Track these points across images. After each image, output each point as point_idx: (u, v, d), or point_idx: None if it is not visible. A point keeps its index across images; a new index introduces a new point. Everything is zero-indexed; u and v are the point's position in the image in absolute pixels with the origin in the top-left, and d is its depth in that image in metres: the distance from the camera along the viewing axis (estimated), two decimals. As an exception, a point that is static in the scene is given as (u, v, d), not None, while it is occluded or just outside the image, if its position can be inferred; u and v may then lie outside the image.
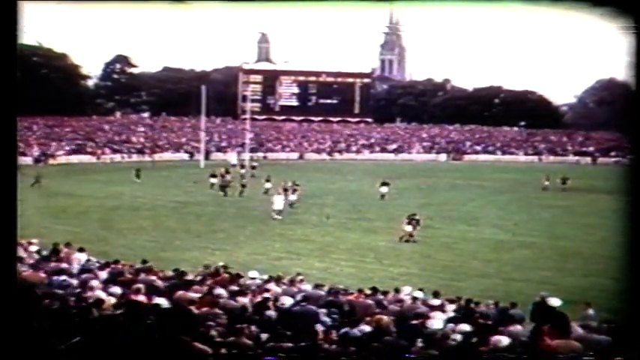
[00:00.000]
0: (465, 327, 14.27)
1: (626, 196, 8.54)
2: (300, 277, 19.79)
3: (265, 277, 20.21)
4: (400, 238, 34.29)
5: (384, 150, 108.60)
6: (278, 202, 41.93)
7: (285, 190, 47.63)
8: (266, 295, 15.99)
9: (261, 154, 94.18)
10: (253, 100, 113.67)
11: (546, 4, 10.81)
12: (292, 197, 45.46)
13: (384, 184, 51.00)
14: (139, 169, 60.80)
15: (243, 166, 67.08)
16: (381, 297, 17.91)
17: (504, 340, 12.87)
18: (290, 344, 11.05)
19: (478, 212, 45.38)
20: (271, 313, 14.32)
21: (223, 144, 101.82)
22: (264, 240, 34.51)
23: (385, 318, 13.23)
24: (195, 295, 15.21)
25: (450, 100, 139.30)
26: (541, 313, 17.08)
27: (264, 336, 11.74)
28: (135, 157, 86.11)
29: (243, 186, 51.91)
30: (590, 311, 17.99)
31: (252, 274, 20.04)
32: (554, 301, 17.63)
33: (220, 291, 15.91)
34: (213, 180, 54.97)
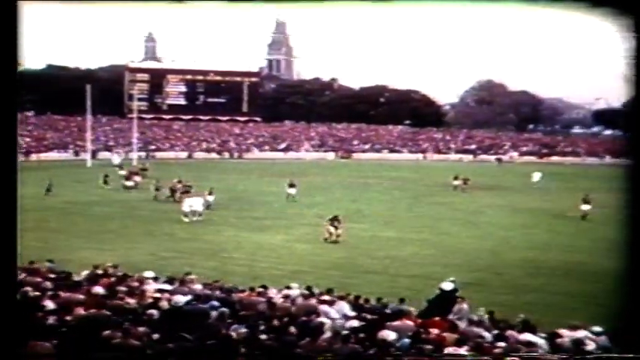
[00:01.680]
0: (354, 323, 14.58)
1: (625, 195, 8.81)
2: (191, 277, 19.69)
3: (153, 275, 19.98)
4: (325, 239, 34.09)
5: (273, 149, 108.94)
6: (188, 204, 40.79)
7: (173, 190, 47.09)
8: (157, 295, 15.90)
9: (144, 154, 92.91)
10: (140, 99, 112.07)
11: (546, 4, 10.99)
12: (210, 198, 44.45)
13: (291, 185, 50.77)
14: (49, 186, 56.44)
15: (122, 167, 65.60)
16: (272, 294, 18.02)
17: (391, 335, 13.22)
18: (180, 343, 11.06)
19: (366, 210, 46.12)
20: (160, 312, 14.25)
21: (110, 143, 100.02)
22: (154, 240, 34.15)
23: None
24: (82, 297, 15.03)
25: (337, 99, 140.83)
26: (440, 298, 19.42)
27: (155, 336, 11.70)
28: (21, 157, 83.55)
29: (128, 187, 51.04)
30: (465, 306, 18.70)
31: (148, 274, 19.82)
32: (446, 285, 19.90)
33: (100, 290, 15.81)
34: (129, 183, 54.32)
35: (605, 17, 8.22)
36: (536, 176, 61.48)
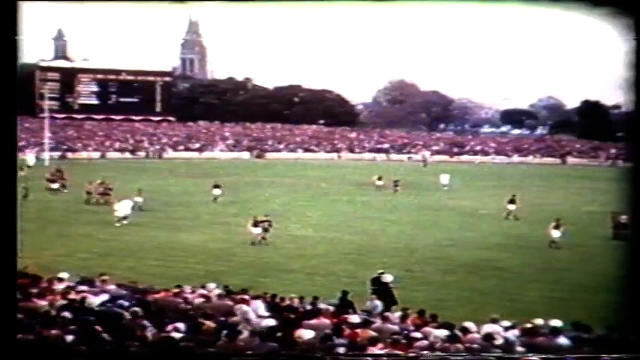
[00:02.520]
0: (270, 322, 14.68)
1: (625, 196, 8.84)
2: (104, 277, 19.45)
3: (67, 275, 19.66)
4: (252, 242, 33.71)
5: (188, 149, 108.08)
6: (118, 207, 39.43)
7: (89, 192, 46.16)
8: (72, 296, 15.69)
9: (56, 154, 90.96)
10: (51, 99, 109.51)
11: (546, 4, 11.04)
12: (138, 199, 43.33)
13: (216, 186, 50.27)
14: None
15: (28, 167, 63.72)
16: (188, 294, 17.96)
17: (308, 334, 13.35)
18: (95, 344, 10.97)
19: (281, 209, 46.26)
20: (73, 313, 14.07)
21: (22, 143, 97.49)
22: (69, 241, 33.58)
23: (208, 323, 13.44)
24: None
25: (251, 99, 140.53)
26: (377, 288, 21.22)
27: (68, 338, 11.56)
28: None
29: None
30: (377, 302, 19.10)
31: (63, 275, 19.49)
32: (387, 277, 21.60)
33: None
34: (54, 185, 52.90)
35: (605, 17, 8.29)
36: (445, 178, 61.48)
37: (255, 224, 34.20)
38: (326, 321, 15.06)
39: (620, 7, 8.07)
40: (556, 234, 34.71)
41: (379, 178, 60.17)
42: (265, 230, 34.09)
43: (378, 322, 16.03)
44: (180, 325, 13.22)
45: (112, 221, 38.71)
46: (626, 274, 29.25)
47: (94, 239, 34.52)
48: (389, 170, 70.59)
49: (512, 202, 44.52)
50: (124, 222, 38.70)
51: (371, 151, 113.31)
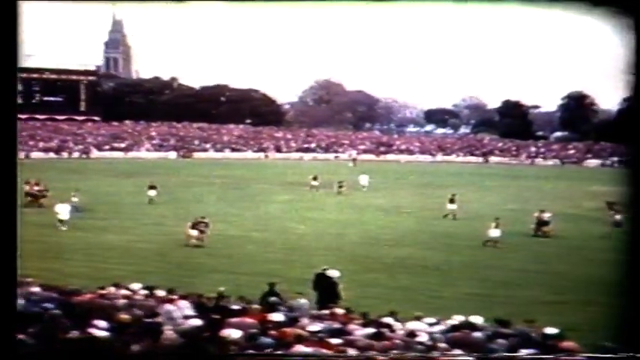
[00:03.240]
0: (196, 321, 14.71)
1: (625, 197, 8.78)
2: (28, 279, 19.15)
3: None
4: (187, 244, 33.35)
5: (113, 148, 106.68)
6: (63, 209, 37.89)
7: (30, 194, 44.19)
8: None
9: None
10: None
11: (546, 4, 11.02)
12: (75, 200, 42.05)
13: (151, 187, 49.56)
14: None
15: None
16: (113, 295, 17.83)
17: (235, 334, 13.43)
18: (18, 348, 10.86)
19: (209, 209, 45.99)
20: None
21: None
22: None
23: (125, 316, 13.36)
24: None
25: (177, 98, 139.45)
26: (320, 283, 21.91)
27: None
28: None
29: None
30: (304, 301, 19.37)
31: None
32: (333, 273, 22.23)
33: None
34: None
35: (605, 17, 8.24)
36: (363, 179, 61.00)
37: (194, 226, 33.99)
38: (250, 320, 15.15)
39: (620, 7, 8.06)
40: (495, 233, 35.27)
41: (314, 178, 59.82)
42: (202, 232, 33.88)
43: (305, 320, 16.21)
44: (103, 325, 13.15)
45: (40, 222, 37.91)
46: (546, 270, 30.08)
47: (20, 241, 33.78)
48: (316, 170, 70.82)
49: (452, 201, 44.85)
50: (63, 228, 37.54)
51: (298, 150, 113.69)
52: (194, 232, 33.60)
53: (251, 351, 12.53)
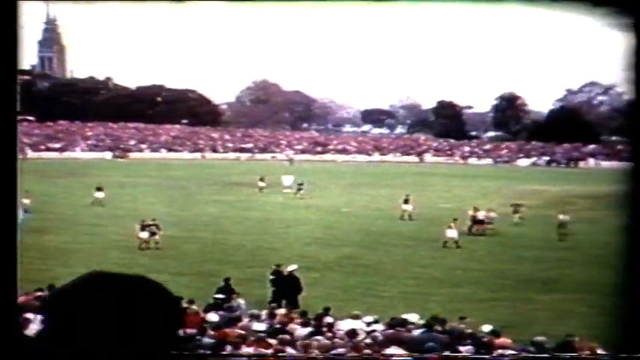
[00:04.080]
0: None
1: (624, 198, 8.75)
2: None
3: None
4: (139, 247, 32.92)
5: (48, 149, 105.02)
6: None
7: None
8: None
9: None
10: None
11: (545, 4, 10.98)
12: (26, 202, 40.92)
13: (98, 189, 48.80)
14: None
15: None
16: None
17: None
18: None
19: (147, 209, 45.71)
20: None
21: None
22: None
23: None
24: None
25: (113, 99, 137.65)
26: (277, 279, 23.06)
27: None
28: None
29: None
30: (241, 301, 19.64)
31: None
32: (293, 267, 23.52)
33: None
34: None
35: (605, 17, 8.20)
36: (287, 180, 60.30)
37: (143, 228, 33.69)
38: (190, 321, 15.26)
39: (620, 6, 8.04)
40: (452, 233, 35.64)
41: (261, 179, 59.33)
42: (153, 234, 33.57)
43: (245, 320, 16.40)
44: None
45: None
46: (480, 268, 30.72)
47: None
48: (254, 169, 70.87)
49: (406, 202, 44.91)
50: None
51: (235, 150, 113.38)
52: (145, 235, 33.35)
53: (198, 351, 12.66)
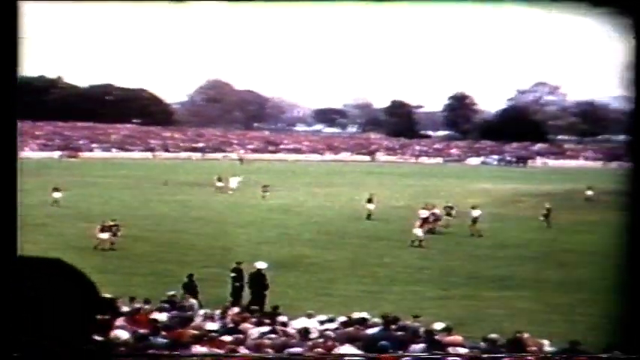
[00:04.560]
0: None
1: (625, 199, 8.65)
2: None
3: None
4: (95, 247, 32.52)
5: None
6: None
7: None
8: None
9: None
10: None
11: (544, 4, 10.92)
12: None
13: (55, 189, 48.08)
14: None
15: None
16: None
17: (123, 334, 13.45)
18: None
19: (98, 209, 45.30)
20: None
21: None
22: None
23: None
24: None
25: (63, 98, 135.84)
26: (240, 277, 23.53)
27: None
28: None
29: None
30: (193, 301, 19.67)
31: None
32: (261, 264, 23.76)
33: None
34: None
35: (605, 17, 8.12)
36: (234, 181, 59.59)
37: (103, 229, 33.27)
38: (140, 321, 15.17)
39: (620, 7, 7.96)
40: (419, 232, 35.78)
41: (219, 179, 58.97)
42: (114, 235, 33.19)
43: (198, 320, 16.35)
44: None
45: None
46: (431, 266, 30.98)
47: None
48: (206, 169, 70.67)
49: (370, 201, 44.86)
50: None
51: (187, 150, 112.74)
52: (105, 236, 32.96)
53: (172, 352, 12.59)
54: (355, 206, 47.74)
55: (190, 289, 21.78)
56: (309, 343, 14.04)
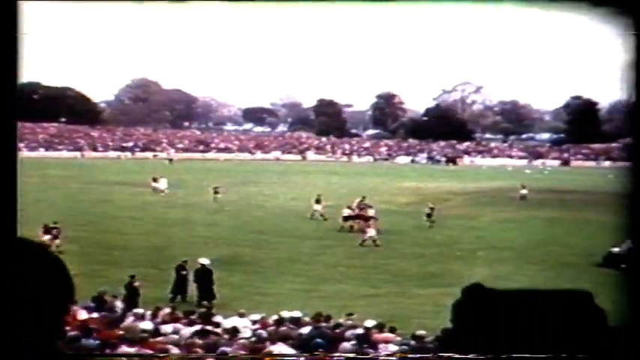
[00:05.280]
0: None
1: (625, 200, 8.53)
2: None
3: None
4: None
5: None
6: None
7: None
8: None
9: None
10: None
11: (543, 4, 10.86)
12: None
13: None
14: None
15: None
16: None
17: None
18: None
19: (28, 210, 44.35)
20: None
21: None
22: None
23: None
24: None
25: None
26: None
27: None
28: None
29: None
30: (118, 303, 19.58)
31: None
32: (204, 260, 24.75)
33: None
34: None
35: (605, 17, 8.06)
36: (163, 183, 58.46)
37: (46, 231, 32.55)
38: (70, 323, 15.02)
39: (620, 6, 7.91)
40: (371, 232, 35.73)
41: (155, 180, 57.98)
42: (55, 237, 32.48)
43: (128, 320, 16.24)
44: None
45: None
46: (362, 265, 31.31)
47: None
48: (135, 168, 69.86)
49: (317, 201, 44.44)
50: None
51: (115, 149, 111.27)
52: (47, 238, 32.28)
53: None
54: (288, 205, 47.87)
55: (131, 290, 21.69)
56: (240, 342, 14.08)
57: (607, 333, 2.04)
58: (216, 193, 52.48)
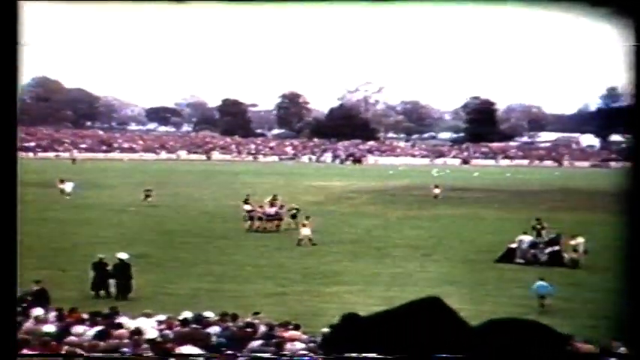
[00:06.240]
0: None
1: (625, 200, 8.37)
2: None
3: None
4: None
5: None
6: None
7: None
8: None
9: None
10: None
11: (544, 4, 10.65)
12: None
13: None
14: None
15: None
16: None
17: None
18: None
19: None
20: None
21: None
22: None
23: None
24: None
25: None
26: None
27: None
28: None
29: None
30: (38, 310, 19.25)
31: None
32: (122, 255, 25.10)
33: None
34: None
35: (605, 17, 8.03)
36: (68, 186, 56.82)
37: None
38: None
39: (620, 7, 7.95)
40: (306, 231, 35.58)
41: (61, 181, 56.01)
42: None
43: (29, 323, 15.88)
44: None
45: None
46: (268, 264, 31.45)
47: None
48: (37, 169, 68.02)
49: (246, 202, 42.48)
50: None
51: (20, 150, 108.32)
52: None
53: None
54: (195, 205, 47.55)
55: (40, 297, 21.01)
56: (145, 344, 13.96)
57: (458, 329, 2.23)
58: (147, 197, 51.48)
